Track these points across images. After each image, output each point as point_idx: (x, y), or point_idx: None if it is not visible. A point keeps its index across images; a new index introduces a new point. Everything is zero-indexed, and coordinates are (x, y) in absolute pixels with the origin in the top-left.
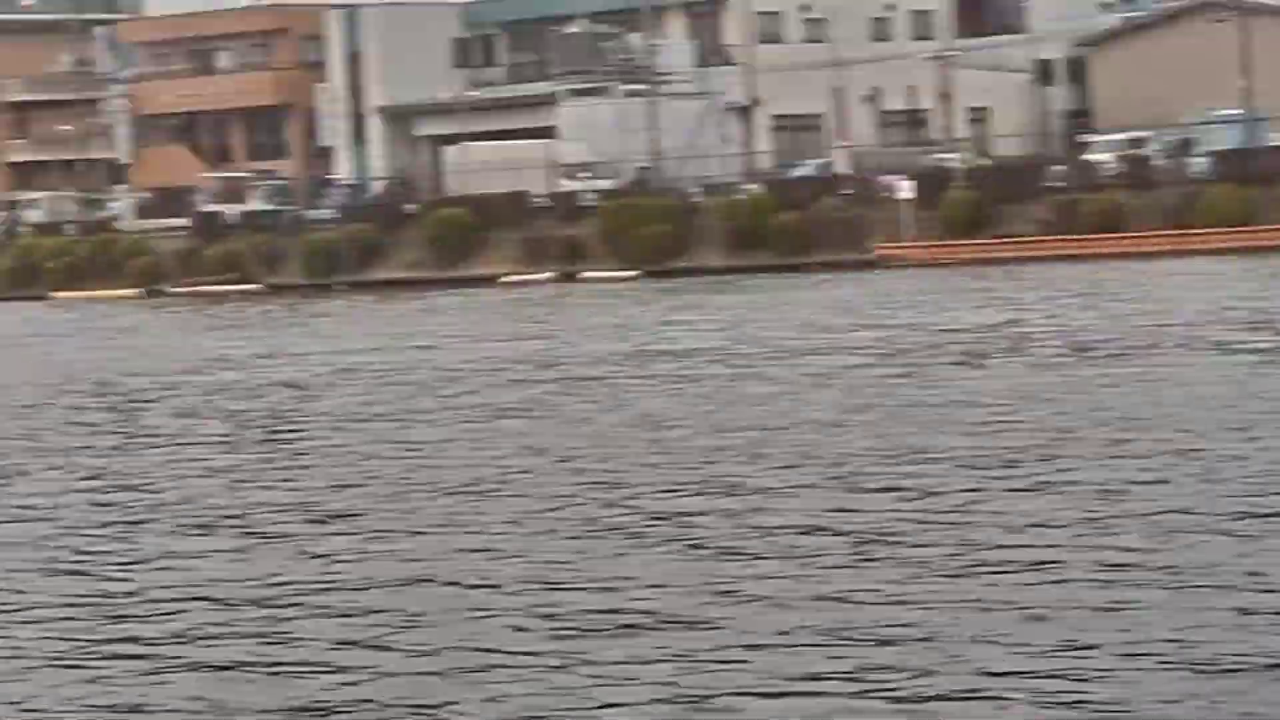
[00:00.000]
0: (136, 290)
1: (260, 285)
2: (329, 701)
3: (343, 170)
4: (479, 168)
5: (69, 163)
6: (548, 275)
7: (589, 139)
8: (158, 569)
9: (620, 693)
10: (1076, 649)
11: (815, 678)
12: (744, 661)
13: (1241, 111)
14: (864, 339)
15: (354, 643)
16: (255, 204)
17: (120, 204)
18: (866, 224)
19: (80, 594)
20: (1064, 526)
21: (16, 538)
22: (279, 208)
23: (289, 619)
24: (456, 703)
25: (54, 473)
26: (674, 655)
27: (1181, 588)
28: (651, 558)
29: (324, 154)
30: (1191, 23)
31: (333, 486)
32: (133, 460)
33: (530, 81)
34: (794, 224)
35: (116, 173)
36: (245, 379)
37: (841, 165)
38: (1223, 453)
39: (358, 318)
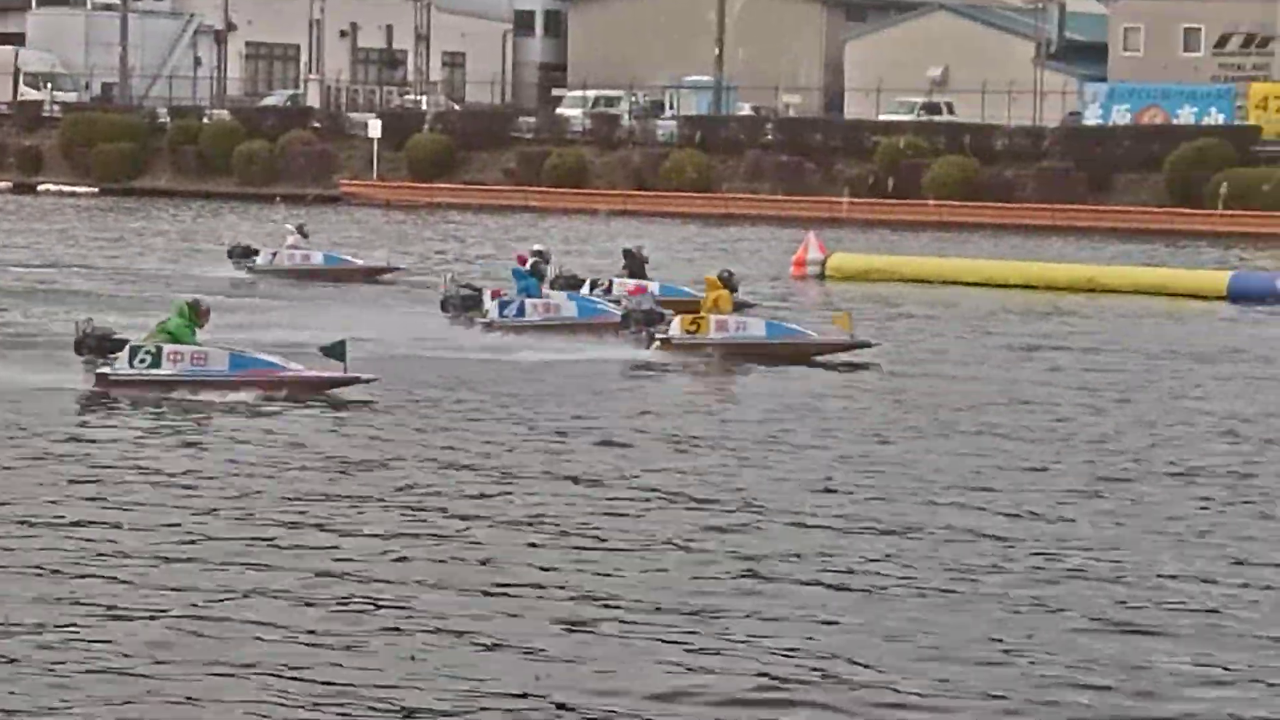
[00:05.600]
0: None
1: None
2: None
3: None
4: None
5: None
6: (4, 184)
7: (57, 49)
8: None
9: None
10: None
11: None
12: None
13: (712, 79)
14: None
15: None
16: None
17: None
18: (334, 159)
19: None
20: None
21: None
22: None
23: None
24: None
25: None
26: None
27: None
28: None
29: None
30: None
31: None
32: None
33: None
34: (260, 153)
35: None
36: None
37: (313, 98)
38: None
39: None
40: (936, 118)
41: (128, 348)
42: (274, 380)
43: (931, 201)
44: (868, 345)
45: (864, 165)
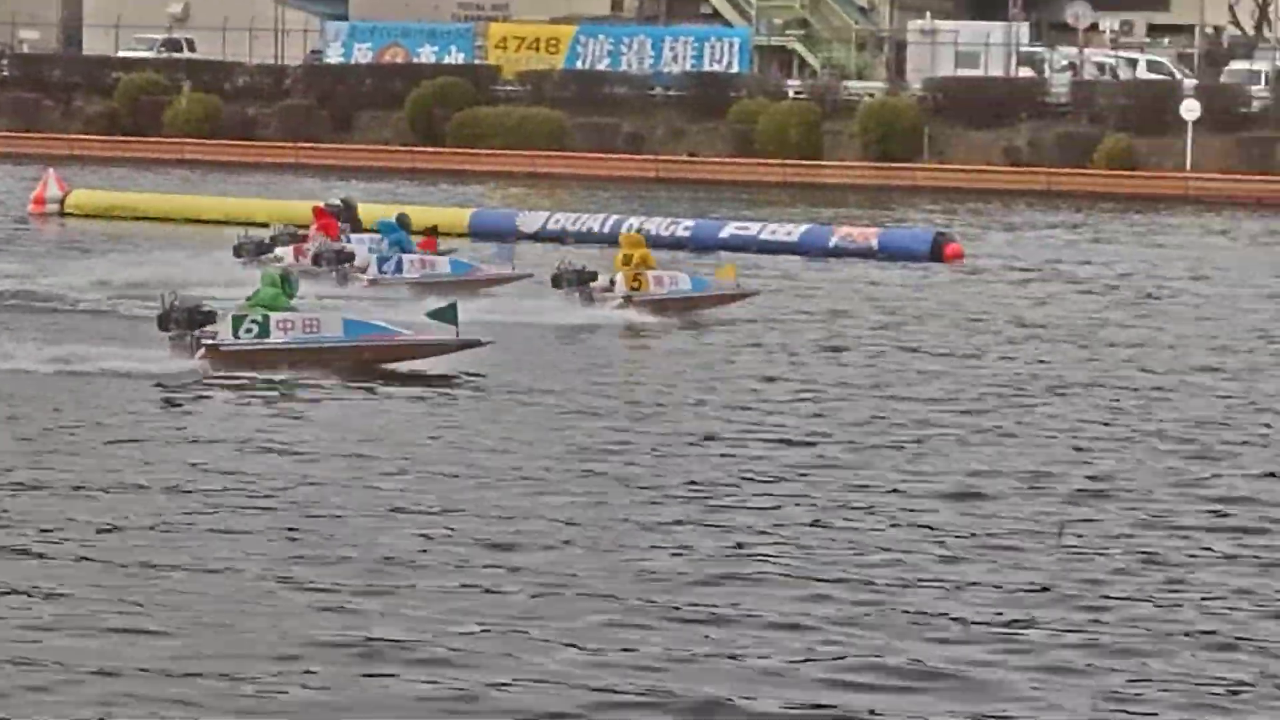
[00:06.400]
0: None
1: None
2: None
3: None
4: None
5: None
6: None
7: None
8: None
9: None
10: None
11: None
12: None
13: None
14: None
15: None
16: None
17: None
18: None
19: None
20: None
21: None
22: None
23: None
24: None
25: None
26: None
27: None
28: None
29: None
30: None
31: None
32: None
33: None
34: None
35: None
36: None
37: None
38: None
39: None
40: (177, 55)
41: (230, 317)
42: (389, 345)
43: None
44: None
45: (105, 102)
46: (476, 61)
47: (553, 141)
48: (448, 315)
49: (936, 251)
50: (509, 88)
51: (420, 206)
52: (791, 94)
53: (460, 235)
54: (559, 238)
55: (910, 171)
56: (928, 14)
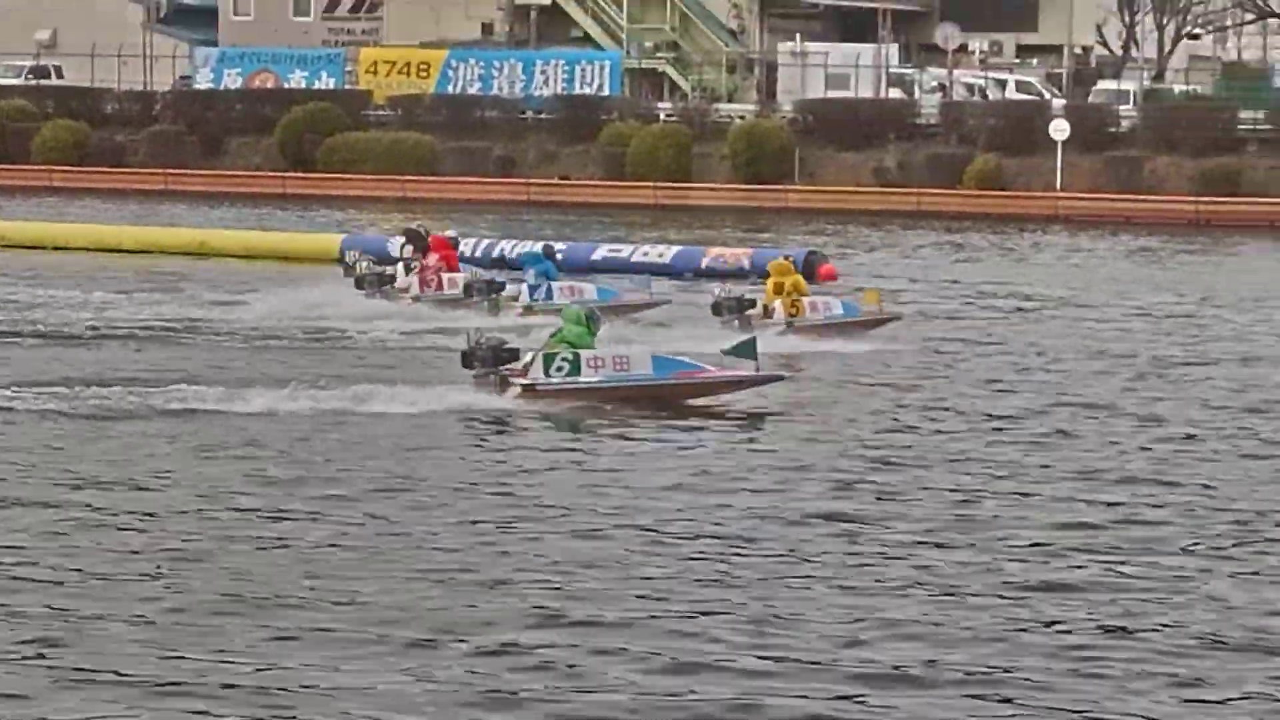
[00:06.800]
0: None
1: None
2: None
3: None
4: None
5: None
6: None
7: None
8: None
9: None
10: None
11: None
12: None
13: None
14: None
15: None
16: None
17: None
18: None
19: None
20: None
21: None
22: None
23: None
24: None
25: None
26: None
27: None
28: None
29: None
30: None
31: None
32: None
33: None
34: None
35: None
36: None
37: None
38: None
39: None
40: (45, 81)
41: (540, 356)
42: (697, 383)
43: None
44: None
45: None
46: (347, 86)
47: (424, 166)
48: (747, 350)
49: (809, 271)
50: (380, 112)
51: (284, 233)
52: (662, 117)
53: (335, 261)
54: None
55: (781, 193)
56: (798, 36)
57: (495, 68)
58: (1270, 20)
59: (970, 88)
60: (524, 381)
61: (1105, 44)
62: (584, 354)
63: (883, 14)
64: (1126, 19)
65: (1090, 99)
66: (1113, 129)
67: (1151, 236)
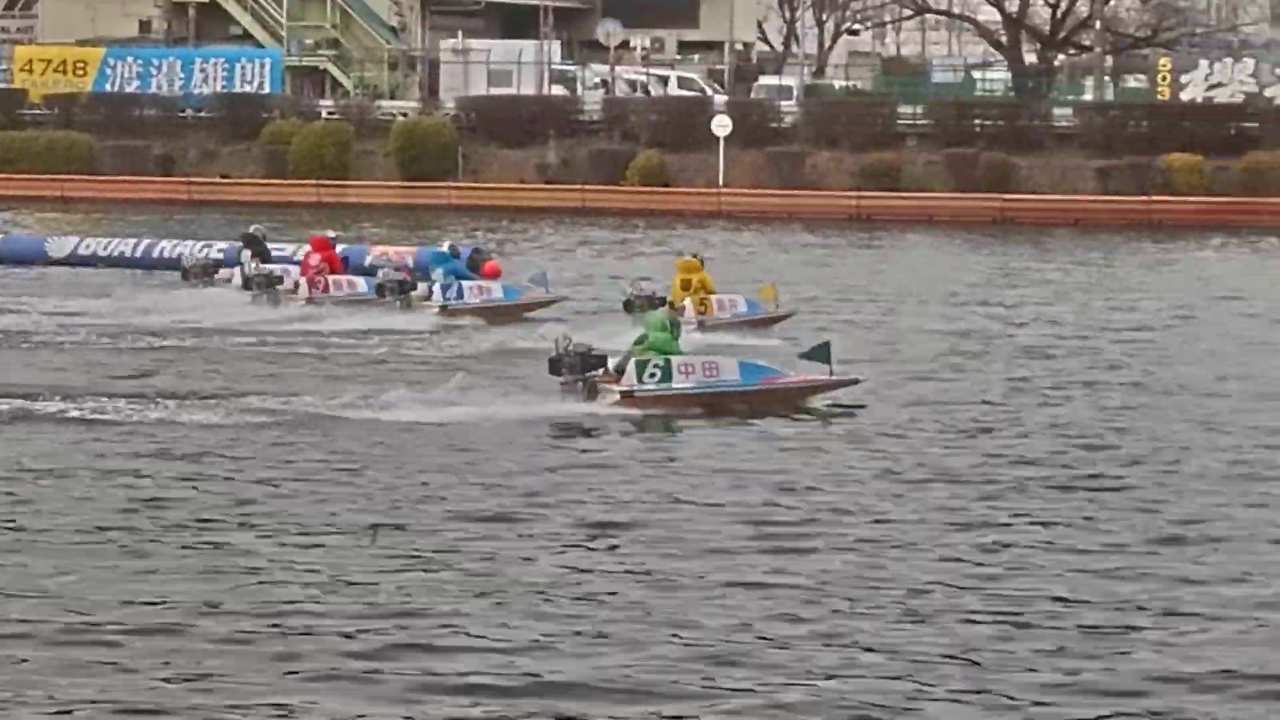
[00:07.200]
0: None
1: None
2: None
3: None
4: None
5: None
6: None
7: None
8: None
9: None
10: None
11: None
12: None
13: None
14: None
15: None
16: None
17: None
18: None
19: None
20: None
21: None
22: None
23: None
24: None
25: None
26: None
27: None
28: None
29: None
30: None
31: None
32: None
33: None
34: None
35: None
36: None
37: None
38: None
39: None
40: None
41: (633, 363)
42: (782, 388)
43: None
44: None
45: None
46: (1, 85)
47: (82, 165)
48: (821, 355)
49: (474, 268)
50: (36, 111)
51: None
52: (324, 114)
53: None
54: (90, 262)
55: (445, 190)
56: (460, 33)
57: (154, 66)
58: (928, 16)
59: (633, 84)
60: (621, 389)
61: (766, 40)
62: (675, 360)
63: (544, 11)
64: (787, 15)
65: (752, 95)
66: (774, 125)
67: (813, 232)
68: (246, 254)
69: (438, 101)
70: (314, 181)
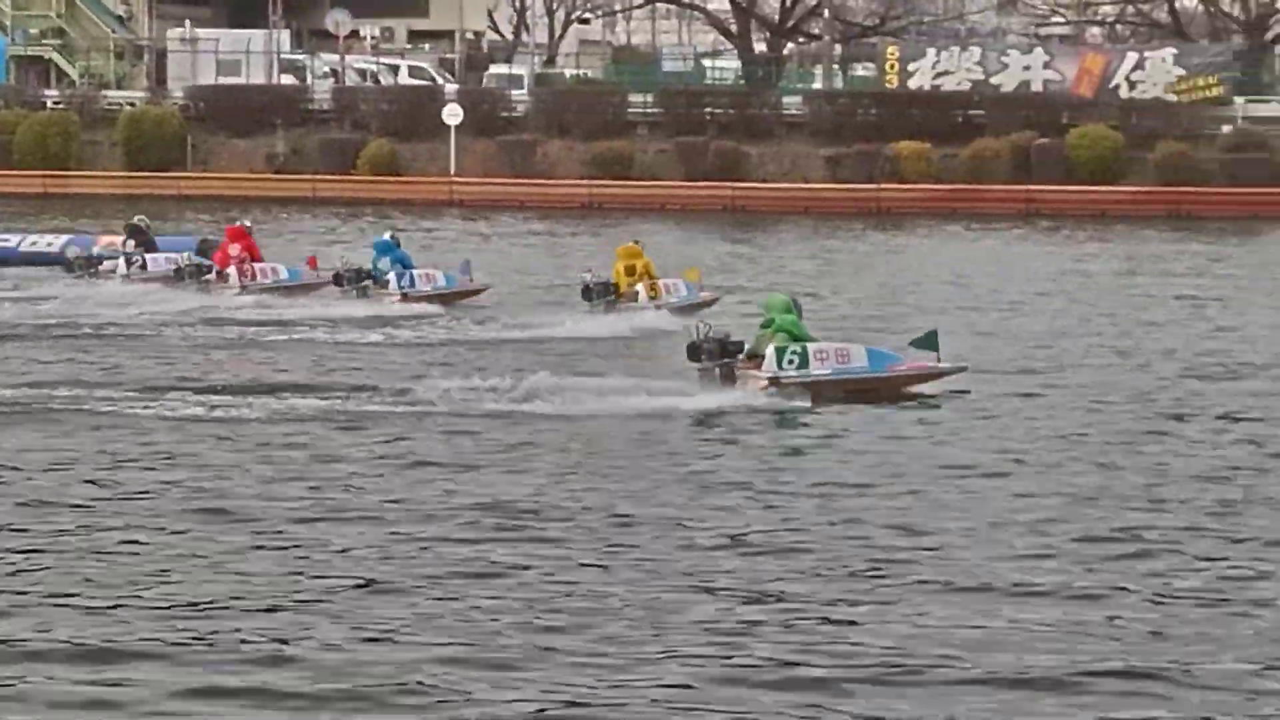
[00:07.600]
0: None
1: None
2: None
3: None
4: None
5: None
6: None
7: None
8: None
9: None
10: None
11: None
12: None
13: None
14: None
15: None
16: None
17: None
18: None
19: None
20: None
21: None
22: None
23: None
24: None
25: None
26: None
27: None
28: None
29: None
30: None
31: None
32: None
33: None
34: None
35: None
36: None
37: None
38: None
39: None
40: None
41: (772, 349)
42: (904, 376)
43: None
44: None
45: None
46: None
47: None
48: (930, 343)
49: (205, 255)
50: None
51: None
52: (50, 104)
53: None
54: None
55: (174, 180)
56: (187, 22)
57: None
58: (658, 5)
59: (363, 73)
60: (768, 375)
61: (497, 29)
62: (810, 347)
63: (273, 0)
64: (517, 4)
65: (483, 84)
66: (506, 114)
67: (545, 220)
68: (130, 244)
69: (165, 91)
70: (39, 172)
